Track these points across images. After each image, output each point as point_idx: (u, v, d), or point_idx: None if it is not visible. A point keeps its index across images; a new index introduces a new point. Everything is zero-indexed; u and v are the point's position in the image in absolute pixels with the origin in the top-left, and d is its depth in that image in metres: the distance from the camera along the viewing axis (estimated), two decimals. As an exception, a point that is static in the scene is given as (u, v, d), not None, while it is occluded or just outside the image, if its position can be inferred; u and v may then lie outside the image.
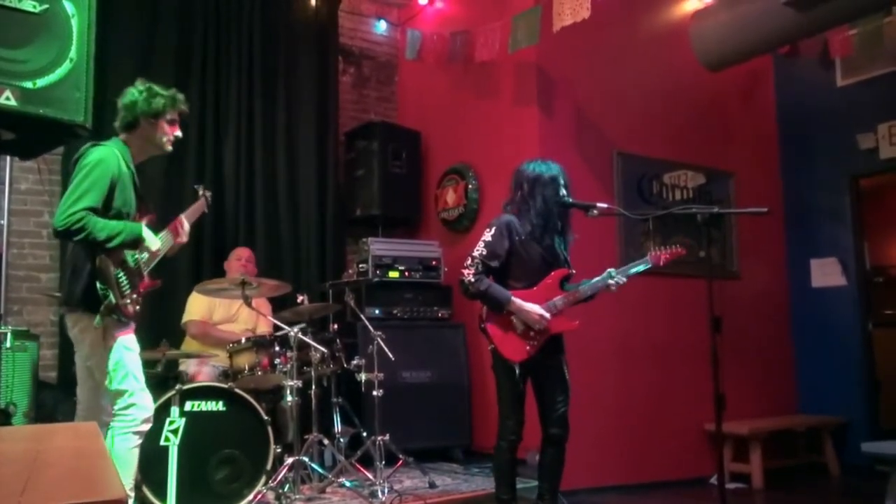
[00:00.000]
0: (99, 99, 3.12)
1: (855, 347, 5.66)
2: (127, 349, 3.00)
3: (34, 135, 3.04)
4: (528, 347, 3.40)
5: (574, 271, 3.56)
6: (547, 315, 3.38)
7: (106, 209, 2.93)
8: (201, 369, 4.35)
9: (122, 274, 2.95)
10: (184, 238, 3.32)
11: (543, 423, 3.52)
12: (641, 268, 3.52)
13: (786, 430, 5.38)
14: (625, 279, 3.47)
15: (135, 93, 3.11)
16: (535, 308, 3.38)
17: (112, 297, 2.87)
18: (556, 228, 3.53)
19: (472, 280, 3.37)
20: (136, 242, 2.99)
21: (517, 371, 3.40)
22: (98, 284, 2.87)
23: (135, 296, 3.00)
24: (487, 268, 3.40)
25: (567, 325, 3.49)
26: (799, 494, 4.90)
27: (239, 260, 4.85)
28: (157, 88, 3.14)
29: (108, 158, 2.95)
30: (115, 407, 2.97)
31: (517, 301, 3.38)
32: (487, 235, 3.45)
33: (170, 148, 3.21)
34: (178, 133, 3.21)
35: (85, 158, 2.94)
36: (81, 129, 3.02)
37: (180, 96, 3.20)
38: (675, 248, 3.52)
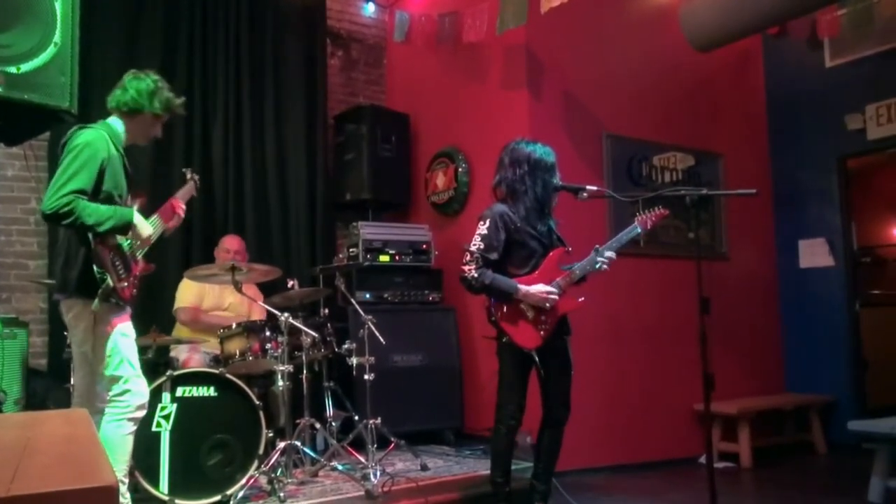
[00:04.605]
0: (84, 84, 3.11)
1: (842, 327, 5.71)
2: (123, 335, 2.99)
3: (19, 121, 3.01)
4: (541, 333, 3.40)
5: (570, 248, 3.57)
6: (554, 290, 3.38)
7: (96, 192, 2.90)
8: (192, 355, 4.33)
9: (117, 257, 2.94)
10: (181, 215, 3.37)
11: (546, 404, 3.54)
12: (632, 234, 3.51)
13: (774, 410, 5.43)
14: (613, 253, 3.46)
15: (150, 83, 3.13)
16: (541, 287, 3.38)
17: (109, 281, 2.86)
18: (549, 212, 3.55)
19: (476, 275, 3.35)
20: (127, 228, 2.97)
21: (536, 358, 3.41)
22: (95, 268, 2.86)
23: (131, 278, 2.99)
24: (487, 261, 3.38)
25: (573, 305, 3.49)
26: (786, 473, 4.95)
27: (227, 252, 4.74)
28: (166, 88, 3.19)
29: (96, 141, 2.92)
30: (111, 393, 2.97)
31: (523, 287, 3.37)
32: (482, 228, 3.42)
33: (146, 143, 3.31)
34: (159, 133, 3.29)
35: (73, 141, 2.91)
36: (67, 115, 2.99)
37: (180, 100, 3.25)
38: (660, 210, 3.52)
